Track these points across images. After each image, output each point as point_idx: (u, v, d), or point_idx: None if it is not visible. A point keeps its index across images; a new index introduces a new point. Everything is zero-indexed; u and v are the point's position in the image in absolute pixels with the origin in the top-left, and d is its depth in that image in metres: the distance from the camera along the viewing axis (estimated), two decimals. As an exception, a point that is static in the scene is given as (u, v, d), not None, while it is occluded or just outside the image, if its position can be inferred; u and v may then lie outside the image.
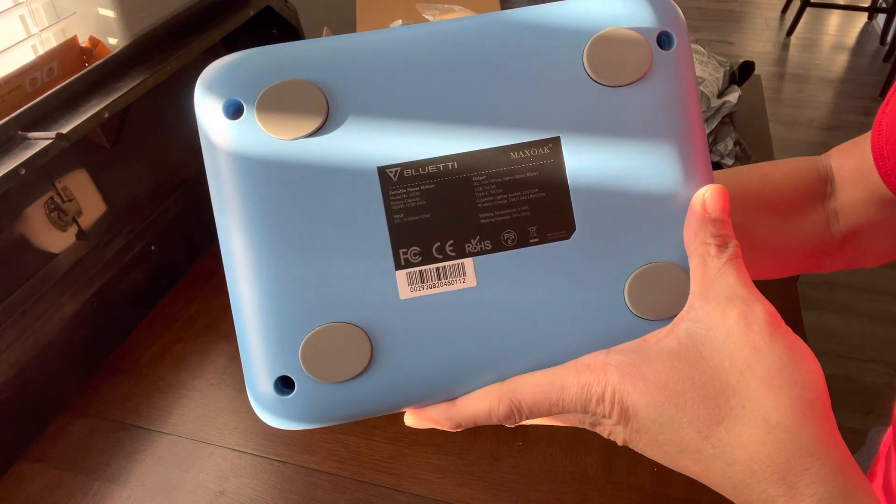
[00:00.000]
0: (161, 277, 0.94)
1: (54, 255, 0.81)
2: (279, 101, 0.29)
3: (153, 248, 0.93)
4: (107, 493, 0.69)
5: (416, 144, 0.30)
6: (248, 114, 0.29)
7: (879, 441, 0.56)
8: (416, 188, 0.30)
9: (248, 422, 0.75)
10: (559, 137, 0.30)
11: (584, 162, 0.30)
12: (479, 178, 0.30)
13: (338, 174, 0.30)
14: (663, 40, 0.31)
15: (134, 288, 0.90)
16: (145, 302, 0.91)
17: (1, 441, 0.72)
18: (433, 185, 0.30)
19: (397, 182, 0.30)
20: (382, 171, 0.30)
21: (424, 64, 0.30)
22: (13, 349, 0.74)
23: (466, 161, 0.30)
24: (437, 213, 0.30)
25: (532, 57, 0.30)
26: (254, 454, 0.72)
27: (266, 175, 0.29)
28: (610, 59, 0.30)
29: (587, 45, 0.30)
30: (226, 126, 0.30)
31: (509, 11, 0.31)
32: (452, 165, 0.30)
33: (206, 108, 0.30)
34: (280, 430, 0.31)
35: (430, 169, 0.30)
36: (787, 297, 0.85)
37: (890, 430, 0.53)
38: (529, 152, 0.30)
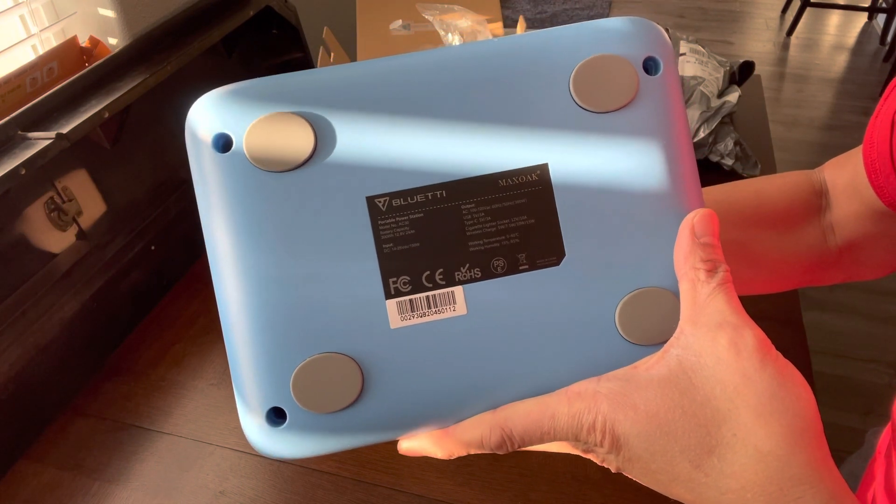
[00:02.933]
0: (161, 277, 0.94)
1: (54, 255, 0.81)
2: (267, 133, 0.29)
3: (153, 248, 0.93)
4: (107, 493, 0.69)
5: (404, 174, 0.30)
6: (237, 147, 0.30)
7: (876, 441, 0.57)
8: (405, 217, 0.30)
9: (247, 422, 0.75)
10: (547, 164, 0.30)
11: (572, 188, 0.30)
12: (468, 206, 0.30)
13: (327, 205, 0.30)
14: (650, 65, 0.31)
15: (134, 288, 0.90)
16: (145, 302, 0.91)
17: (1, 441, 0.72)
18: (422, 214, 0.30)
19: (386, 211, 0.30)
20: (371, 200, 0.30)
21: (412, 94, 0.30)
22: (13, 349, 0.74)
23: (455, 189, 0.30)
24: (427, 242, 0.30)
25: (519, 84, 0.30)
26: (254, 454, 0.72)
27: (256, 207, 0.30)
28: (596, 86, 0.30)
29: (573, 72, 0.30)
30: (215, 159, 0.30)
31: (495, 39, 0.31)
32: (441, 194, 0.30)
33: (196, 141, 0.30)
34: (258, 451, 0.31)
35: (419, 198, 0.30)
36: (787, 296, 0.85)
37: (888, 428, 0.54)
38: (518, 179, 0.30)
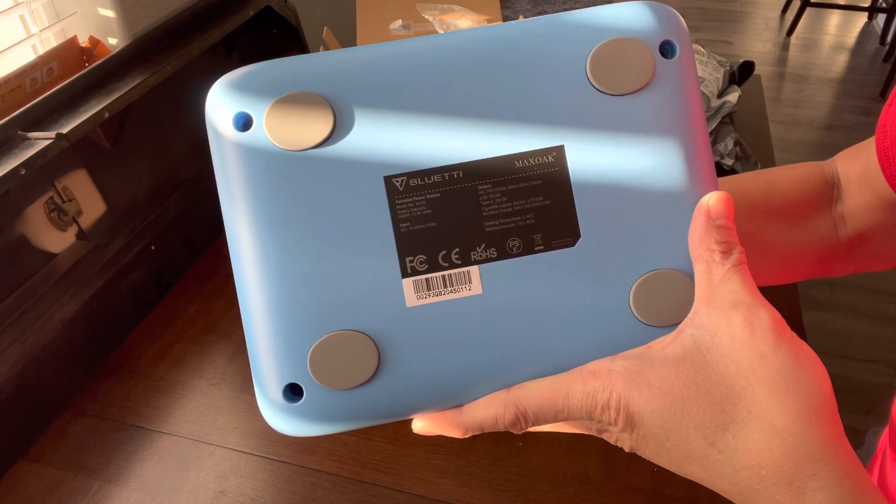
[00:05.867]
0: (161, 277, 0.94)
1: (54, 255, 0.81)
2: (287, 113, 0.30)
3: (153, 248, 0.93)
4: (107, 493, 0.69)
5: (421, 154, 0.30)
6: (258, 126, 0.30)
7: (877, 441, 0.57)
8: (422, 197, 0.30)
9: (248, 422, 0.75)
10: (563, 146, 0.30)
11: (588, 170, 0.30)
12: (485, 187, 0.30)
13: (345, 184, 0.30)
14: (666, 49, 0.31)
15: (134, 288, 0.90)
16: (145, 302, 0.91)
17: (1, 441, 0.72)
18: (439, 194, 0.30)
19: (403, 191, 0.30)
20: (389, 180, 0.30)
21: (430, 75, 0.30)
22: (13, 349, 0.74)
23: (472, 170, 0.30)
24: (443, 222, 0.30)
25: (536, 66, 0.31)
26: (254, 454, 0.72)
27: (275, 186, 0.30)
28: (613, 69, 0.30)
29: (590, 55, 0.30)
30: (236, 138, 0.30)
31: (513, 22, 0.32)
32: (458, 174, 0.30)
33: (217, 121, 0.30)
34: (272, 428, 0.31)
35: (436, 178, 0.30)
36: (787, 296, 0.85)
37: (887, 429, 0.54)
38: (534, 161, 0.30)
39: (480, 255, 0.30)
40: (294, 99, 0.30)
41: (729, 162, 1.04)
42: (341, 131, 0.30)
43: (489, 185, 0.30)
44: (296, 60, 0.31)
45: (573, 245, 0.30)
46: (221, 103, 0.30)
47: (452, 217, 0.30)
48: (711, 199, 0.30)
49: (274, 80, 0.30)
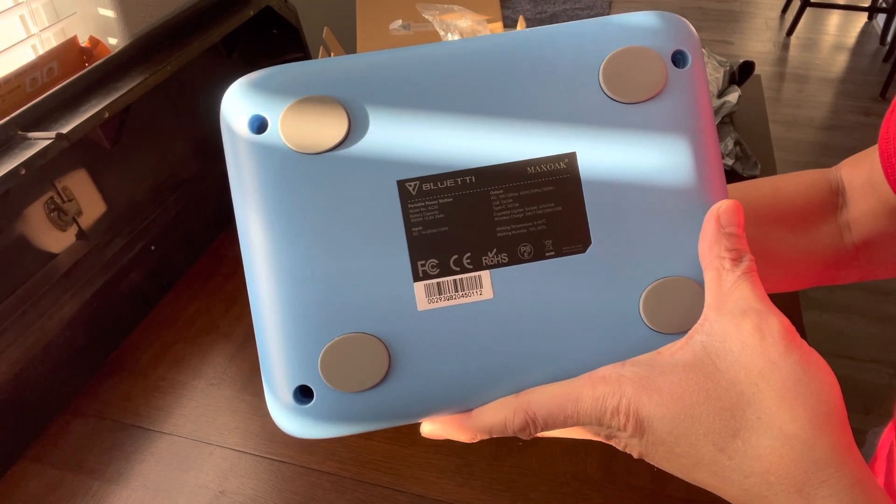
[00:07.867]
0: (161, 277, 0.94)
1: (54, 255, 0.81)
2: (302, 116, 0.30)
3: (153, 248, 0.93)
4: (107, 493, 0.69)
5: (434, 159, 0.30)
6: (272, 129, 0.30)
7: (877, 441, 0.57)
8: (435, 201, 0.30)
9: (248, 422, 0.75)
10: (575, 153, 0.31)
11: (599, 177, 0.31)
12: (497, 192, 0.31)
13: (358, 187, 0.30)
14: (678, 58, 0.31)
15: (134, 288, 0.90)
16: (145, 302, 0.91)
17: (1, 441, 0.72)
18: (451, 199, 0.30)
19: (416, 195, 0.30)
20: (402, 184, 0.30)
21: (444, 80, 0.31)
22: (13, 349, 0.74)
23: (484, 175, 0.31)
24: (455, 226, 0.31)
25: (549, 74, 0.31)
26: (254, 454, 0.72)
27: (289, 188, 0.30)
28: (625, 77, 0.31)
29: (603, 63, 0.31)
30: (250, 141, 0.31)
31: (527, 29, 0.32)
32: (470, 179, 0.30)
33: (232, 123, 0.31)
34: (282, 430, 0.31)
35: (449, 183, 0.30)
36: (787, 296, 0.85)
37: (889, 428, 0.54)
38: (546, 167, 0.31)
39: (492, 260, 0.31)
40: (309, 102, 0.30)
41: (729, 162, 1.04)
42: (355, 135, 0.30)
43: (501, 191, 0.31)
44: (311, 64, 0.31)
45: (584, 251, 0.31)
46: (237, 106, 0.31)
47: (464, 222, 0.30)
48: (722, 207, 0.30)
49: (289, 84, 0.31)
